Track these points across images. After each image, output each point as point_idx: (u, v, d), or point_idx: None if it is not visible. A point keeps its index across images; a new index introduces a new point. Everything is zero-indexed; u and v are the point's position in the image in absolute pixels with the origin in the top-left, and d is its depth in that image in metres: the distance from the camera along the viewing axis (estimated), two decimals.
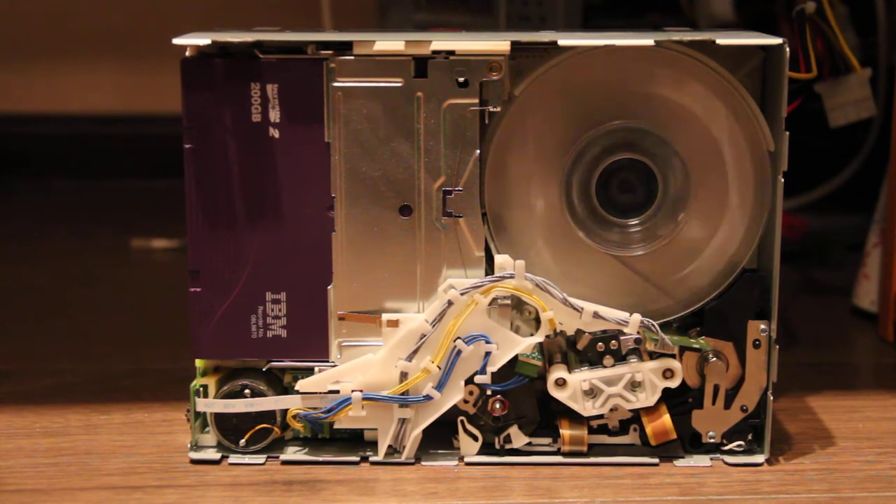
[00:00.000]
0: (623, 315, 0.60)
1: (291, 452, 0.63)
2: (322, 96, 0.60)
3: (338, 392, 0.61)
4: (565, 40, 0.59)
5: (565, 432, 0.62)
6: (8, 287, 0.96)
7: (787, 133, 0.59)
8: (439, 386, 0.60)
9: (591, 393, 0.61)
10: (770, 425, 0.62)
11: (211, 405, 0.61)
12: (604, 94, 0.61)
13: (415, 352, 0.60)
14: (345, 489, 0.59)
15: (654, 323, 0.60)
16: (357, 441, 0.63)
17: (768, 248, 0.61)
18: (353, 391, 0.60)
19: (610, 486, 0.60)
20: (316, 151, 0.60)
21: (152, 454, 0.63)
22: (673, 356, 0.61)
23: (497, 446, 0.62)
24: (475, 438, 0.62)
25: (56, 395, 0.71)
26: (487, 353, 0.60)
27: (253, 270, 0.61)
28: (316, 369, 0.61)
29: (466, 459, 0.62)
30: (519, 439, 0.62)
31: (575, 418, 0.62)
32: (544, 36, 0.60)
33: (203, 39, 0.59)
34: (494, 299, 0.60)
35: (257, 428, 0.62)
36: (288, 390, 0.62)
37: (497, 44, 0.59)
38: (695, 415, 0.62)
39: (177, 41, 0.59)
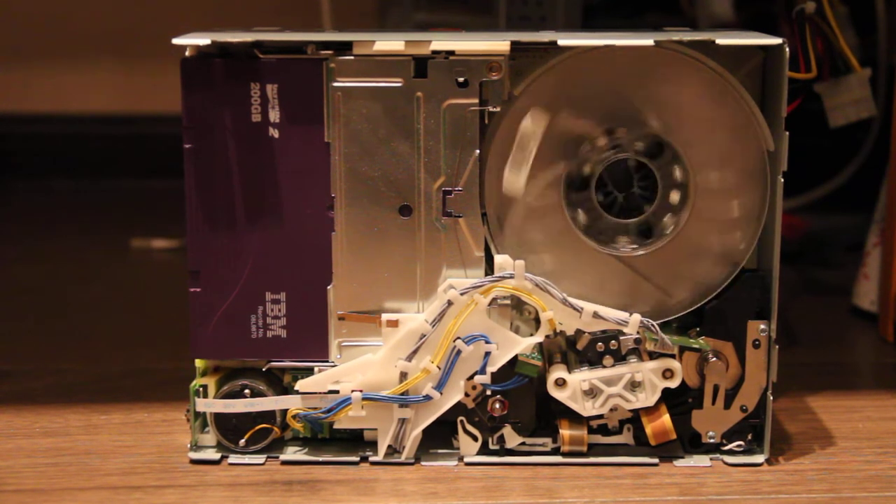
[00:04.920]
0: (623, 315, 0.60)
1: (291, 452, 0.63)
2: (322, 96, 0.60)
3: (338, 392, 0.61)
4: (565, 40, 0.59)
5: (565, 432, 0.62)
6: (8, 287, 0.96)
7: (787, 133, 0.59)
8: (439, 386, 0.60)
9: (591, 393, 0.61)
10: (770, 425, 0.62)
11: (211, 405, 0.61)
12: (604, 94, 0.61)
13: (415, 352, 0.60)
14: (345, 489, 0.59)
15: (653, 323, 0.61)
16: (357, 441, 0.63)
17: (768, 248, 0.61)
18: (352, 391, 0.60)
19: (610, 486, 0.60)
20: (316, 151, 0.60)
21: (152, 454, 0.63)
22: (673, 356, 0.61)
23: (491, 446, 0.62)
24: (475, 438, 0.62)
25: (56, 395, 0.71)
26: (487, 353, 0.60)
27: (253, 270, 0.61)
28: (316, 369, 0.61)
29: (466, 459, 0.62)
30: (513, 439, 0.62)
31: (575, 418, 0.62)
32: (544, 36, 0.60)
33: (203, 39, 0.59)
34: (494, 299, 0.60)
35: (257, 428, 0.62)
36: (288, 390, 0.62)
37: (497, 44, 0.59)
38: (695, 415, 0.62)
39: (177, 41, 0.59)
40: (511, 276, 0.60)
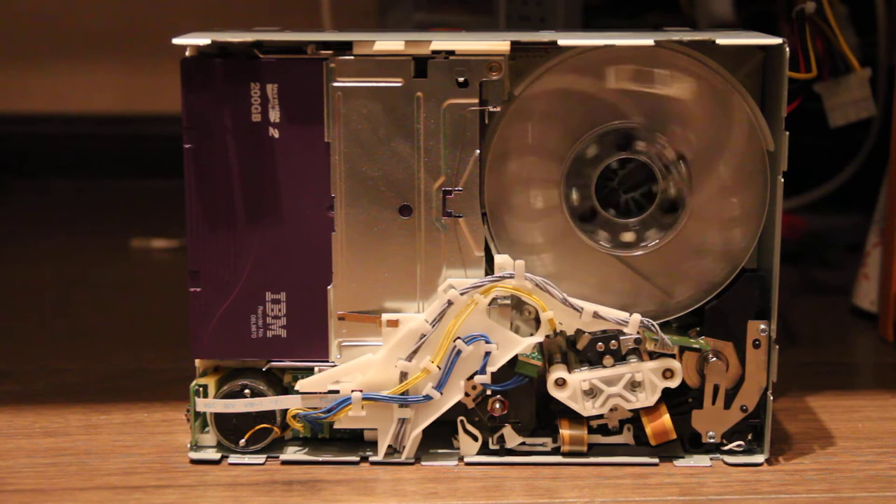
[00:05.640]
0: (623, 315, 0.60)
1: (291, 452, 0.63)
2: (322, 96, 0.60)
3: (338, 392, 0.61)
4: (565, 40, 0.59)
5: (565, 432, 0.62)
6: (8, 287, 0.96)
7: (787, 133, 0.59)
8: (439, 386, 0.60)
9: (591, 393, 0.61)
10: (770, 425, 0.62)
11: (211, 405, 0.61)
12: (604, 94, 0.61)
13: (415, 352, 0.60)
14: (345, 489, 0.59)
15: (653, 323, 0.61)
16: (357, 441, 0.63)
17: (768, 248, 0.61)
18: (352, 391, 0.60)
19: (610, 486, 0.60)
20: (316, 151, 0.60)
21: (152, 454, 0.63)
22: (673, 356, 0.61)
23: (491, 446, 0.62)
24: (475, 438, 0.62)
25: (56, 395, 0.71)
26: (487, 353, 0.60)
27: (253, 270, 0.61)
28: (316, 369, 0.61)
29: (466, 459, 0.62)
30: (513, 439, 0.62)
31: (575, 418, 0.62)
32: (544, 36, 0.60)
33: (203, 39, 0.59)
34: (494, 299, 0.60)
35: (257, 428, 0.62)
36: (288, 390, 0.62)
37: (497, 44, 0.59)
38: (695, 415, 0.62)
39: (177, 41, 0.59)
40: (511, 276, 0.60)
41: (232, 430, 0.62)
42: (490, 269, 0.61)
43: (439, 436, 0.62)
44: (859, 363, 0.81)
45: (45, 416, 0.68)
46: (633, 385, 0.61)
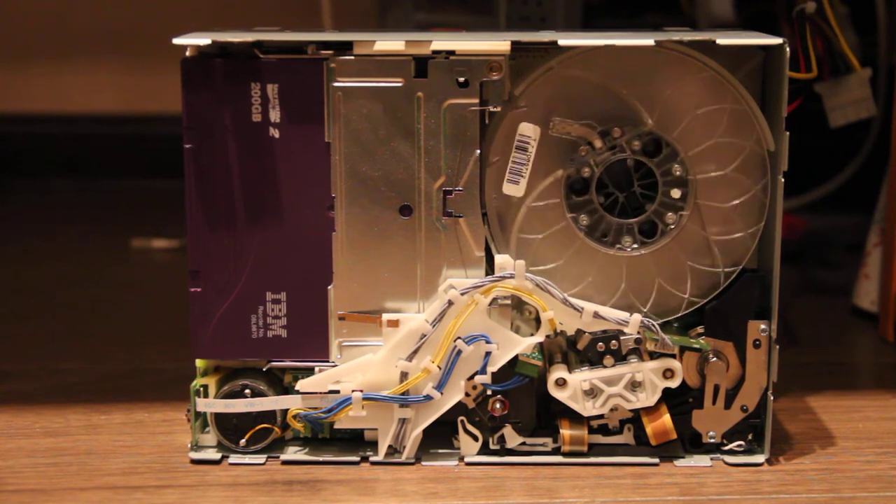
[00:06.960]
0: (623, 315, 0.61)
1: (292, 452, 0.63)
2: (322, 96, 0.60)
3: (338, 392, 0.61)
4: (565, 40, 0.59)
5: (565, 432, 0.62)
6: (8, 287, 0.96)
7: (787, 133, 0.59)
8: (439, 386, 0.60)
9: (592, 393, 0.61)
10: (770, 425, 0.62)
11: (211, 405, 0.61)
12: (604, 93, 0.61)
13: (415, 352, 0.60)
14: (345, 489, 0.59)
15: (654, 323, 0.61)
16: (357, 441, 0.63)
17: (768, 248, 0.61)
18: (353, 391, 0.60)
19: (610, 486, 0.60)
20: (316, 151, 0.60)
21: (152, 454, 0.63)
22: (673, 356, 0.61)
23: (492, 446, 0.62)
24: (475, 438, 0.62)
25: (56, 395, 0.71)
26: (487, 353, 0.60)
27: (253, 270, 0.61)
28: (316, 369, 0.61)
29: (466, 459, 0.62)
30: (513, 439, 0.62)
31: (575, 418, 0.62)
32: (544, 36, 0.60)
33: (203, 39, 0.59)
34: (494, 299, 0.60)
35: (257, 428, 0.62)
36: (288, 390, 0.62)
37: (497, 44, 0.59)
38: (695, 415, 0.62)
39: (177, 41, 0.59)
40: (511, 276, 0.60)
41: (232, 430, 0.62)
42: (490, 269, 0.61)
43: (440, 436, 0.62)
44: (859, 363, 0.81)
45: (46, 416, 0.68)
46: (634, 385, 0.61)
